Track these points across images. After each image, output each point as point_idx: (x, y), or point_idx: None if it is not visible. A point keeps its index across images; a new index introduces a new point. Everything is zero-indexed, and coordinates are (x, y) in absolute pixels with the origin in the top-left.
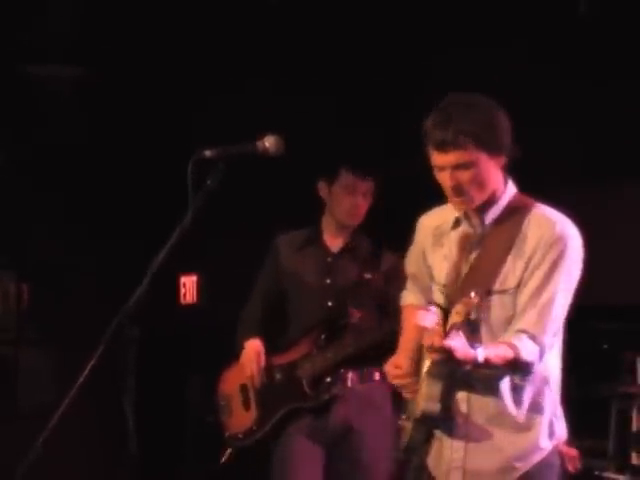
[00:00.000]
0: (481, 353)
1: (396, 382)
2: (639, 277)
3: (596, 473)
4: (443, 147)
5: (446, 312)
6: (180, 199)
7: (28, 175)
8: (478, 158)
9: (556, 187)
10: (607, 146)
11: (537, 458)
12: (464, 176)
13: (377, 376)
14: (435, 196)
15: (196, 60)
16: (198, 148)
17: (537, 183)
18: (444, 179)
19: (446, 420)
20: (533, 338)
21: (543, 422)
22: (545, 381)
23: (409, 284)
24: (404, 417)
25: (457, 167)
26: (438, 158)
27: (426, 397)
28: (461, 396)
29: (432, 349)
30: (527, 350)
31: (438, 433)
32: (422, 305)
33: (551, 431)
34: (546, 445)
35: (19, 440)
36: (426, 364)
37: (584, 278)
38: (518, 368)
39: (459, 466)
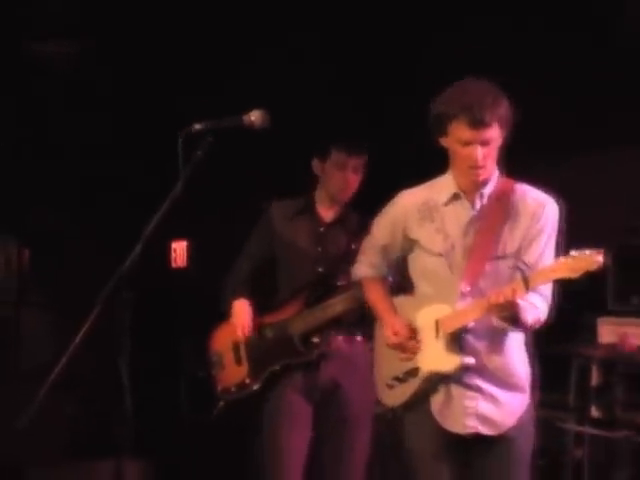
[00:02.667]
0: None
1: (397, 346)
2: (597, 244)
3: (558, 424)
4: (479, 125)
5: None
6: (171, 169)
7: (29, 143)
8: (498, 137)
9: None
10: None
11: (525, 411)
12: (486, 151)
13: (359, 338)
14: (414, 173)
15: (192, 35)
16: (190, 121)
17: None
18: (470, 153)
19: (460, 375)
20: (546, 299)
21: (528, 379)
22: (527, 341)
23: (364, 255)
24: (392, 379)
25: (484, 143)
26: (469, 134)
27: (439, 358)
28: (473, 354)
29: (501, 305)
30: (544, 311)
31: (444, 387)
32: (378, 276)
33: (531, 387)
34: (529, 400)
35: (20, 399)
36: (437, 333)
37: None
38: (535, 327)
39: (473, 412)
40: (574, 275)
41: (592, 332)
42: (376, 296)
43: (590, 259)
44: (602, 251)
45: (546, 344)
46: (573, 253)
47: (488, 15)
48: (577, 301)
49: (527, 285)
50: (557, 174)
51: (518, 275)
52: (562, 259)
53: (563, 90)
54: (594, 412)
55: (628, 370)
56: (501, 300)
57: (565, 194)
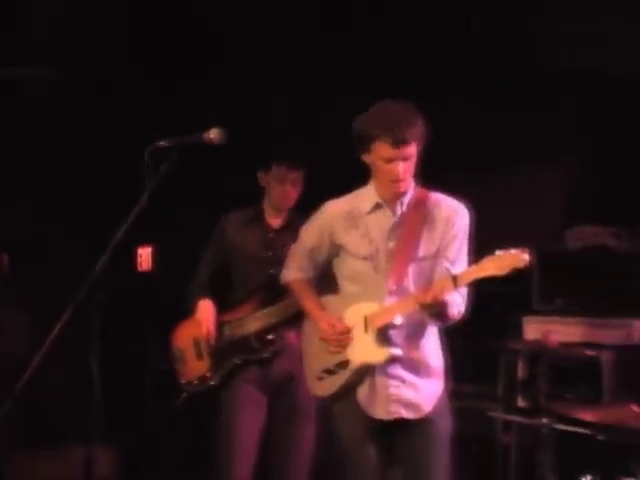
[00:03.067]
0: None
1: (332, 339)
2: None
3: (488, 414)
4: (400, 144)
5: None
6: (139, 182)
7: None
8: (415, 153)
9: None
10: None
11: (440, 396)
12: (406, 166)
13: None
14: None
15: (155, 60)
16: (155, 138)
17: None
18: (392, 169)
19: (384, 367)
20: (463, 296)
21: (442, 367)
22: (441, 334)
23: (292, 260)
24: (322, 371)
25: (404, 159)
26: (392, 152)
27: (369, 350)
28: (398, 346)
29: (430, 301)
30: (462, 306)
31: (370, 377)
32: (305, 279)
33: (445, 376)
34: (443, 386)
35: None
36: (366, 328)
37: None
38: (455, 320)
39: (396, 399)
40: (501, 273)
41: (518, 330)
42: (306, 296)
43: (516, 257)
44: (527, 249)
45: (477, 341)
46: (498, 252)
47: (410, 47)
48: (505, 302)
49: (456, 283)
50: (477, 184)
51: (446, 274)
52: (489, 258)
53: (469, 110)
54: (520, 402)
55: (551, 364)
56: (430, 297)
57: (487, 204)
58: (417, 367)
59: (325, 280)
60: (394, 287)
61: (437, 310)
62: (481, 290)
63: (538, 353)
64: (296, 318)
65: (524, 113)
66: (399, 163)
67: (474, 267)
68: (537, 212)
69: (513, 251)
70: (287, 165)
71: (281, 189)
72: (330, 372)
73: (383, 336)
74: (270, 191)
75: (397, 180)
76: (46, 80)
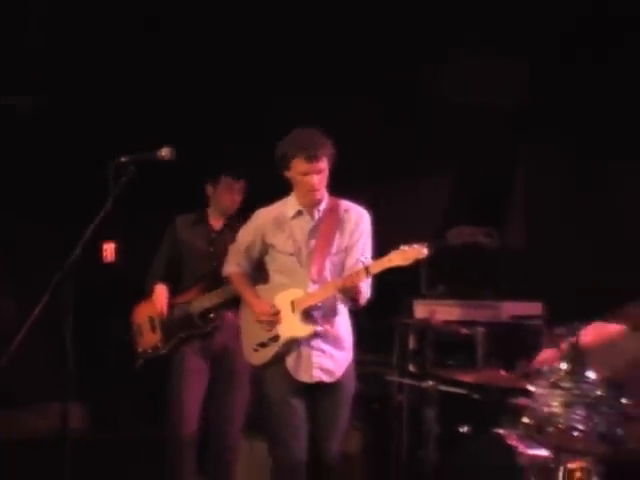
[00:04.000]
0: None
1: (265, 319)
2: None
3: (385, 377)
4: (314, 159)
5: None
6: (104, 191)
7: None
8: (326, 167)
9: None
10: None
11: (350, 364)
12: (319, 178)
13: None
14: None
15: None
16: (117, 155)
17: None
18: (308, 181)
19: (308, 340)
20: (369, 284)
21: (352, 341)
22: (350, 313)
23: (231, 257)
24: (257, 345)
25: (318, 172)
26: (308, 167)
27: (296, 327)
28: (318, 324)
29: (347, 287)
30: (369, 292)
31: (297, 349)
32: (242, 272)
33: (353, 349)
34: (352, 356)
35: None
36: (293, 310)
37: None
38: (364, 303)
39: (318, 366)
40: (405, 263)
41: (410, 310)
42: (243, 286)
43: (418, 250)
44: (426, 244)
45: (377, 318)
46: (403, 247)
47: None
48: (399, 288)
49: (368, 272)
50: (376, 193)
51: (359, 264)
52: (395, 252)
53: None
54: (411, 368)
55: (436, 338)
56: (348, 284)
57: (384, 209)
58: (333, 340)
59: (258, 272)
60: (315, 277)
61: (351, 294)
62: (381, 278)
63: (425, 329)
64: (232, 301)
65: (414, 135)
66: (313, 176)
67: (384, 259)
68: (424, 215)
69: (415, 245)
70: (233, 177)
71: (230, 197)
72: (264, 345)
73: (306, 316)
74: (219, 199)
75: (313, 190)
76: (30, 106)
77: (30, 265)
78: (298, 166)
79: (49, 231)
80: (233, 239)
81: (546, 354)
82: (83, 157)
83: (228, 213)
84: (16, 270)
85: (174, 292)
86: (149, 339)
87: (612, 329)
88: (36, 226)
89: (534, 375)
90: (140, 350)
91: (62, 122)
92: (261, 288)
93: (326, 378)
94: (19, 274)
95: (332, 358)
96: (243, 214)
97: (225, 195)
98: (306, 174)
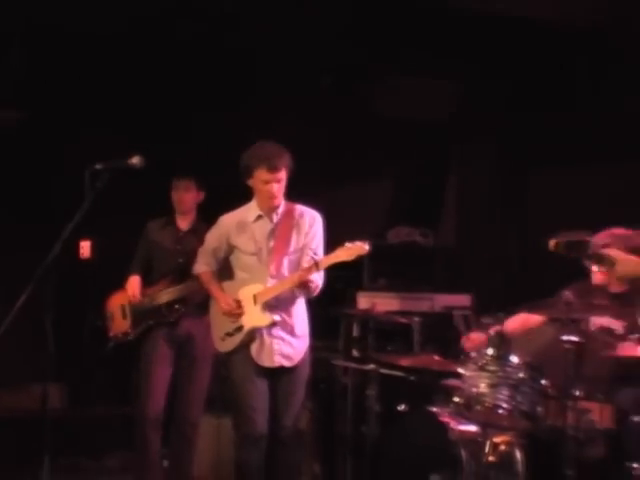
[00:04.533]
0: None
1: (229, 312)
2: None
3: (332, 361)
4: (274, 170)
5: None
6: (81, 194)
7: None
8: (285, 177)
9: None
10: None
11: (306, 350)
12: (279, 186)
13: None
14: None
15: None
16: (93, 162)
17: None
18: (268, 189)
19: (269, 329)
20: (321, 277)
21: (308, 329)
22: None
23: (200, 257)
24: (224, 334)
25: (277, 181)
26: (269, 176)
27: (257, 318)
28: (277, 314)
29: (301, 281)
30: (320, 283)
31: (259, 337)
32: (210, 271)
33: (309, 337)
34: (308, 343)
35: None
36: (255, 302)
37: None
38: (317, 293)
39: (279, 352)
40: (349, 259)
41: (354, 301)
42: (211, 283)
43: (360, 247)
44: (368, 242)
45: (325, 308)
46: (347, 244)
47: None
48: (345, 281)
49: (318, 267)
50: (324, 197)
51: (311, 260)
52: (341, 248)
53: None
54: (355, 353)
55: (376, 326)
56: (302, 277)
57: (332, 212)
58: (291, 329)
59: (224, 270)
60: (274, 273)
61: (305, 287)
62: (329, 273)
63: (367, 318)
64: (196, 294)
65: (359, 146)
66: (273, 185)
67: (331, 255)
68: (367, 216)
69: (358, 243)
70: (177, 176)
71: (176, 195)
72: (230, 334)
73: (267, 307)
74: (173, 199)
75: (273, 197)
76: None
77: (15, 261)
78: (260, 175)
79: (34, 231)
80: (198, 239)
81: (474, 337)
82: (62, 165)
83: (182, 211)
84: (1, 265)
85: (145, 285)
86: (120, 325)
87: (533, 319)
88: (23, 226)
89: (464, 359)
90: (112, 334)
91: (43, 133)
92: (227, 284)
93: (286, 363)
94: (4, 269)
95: (291, 345)
96: (208, 218)
97: (174, 194)
98: (267, 183)
